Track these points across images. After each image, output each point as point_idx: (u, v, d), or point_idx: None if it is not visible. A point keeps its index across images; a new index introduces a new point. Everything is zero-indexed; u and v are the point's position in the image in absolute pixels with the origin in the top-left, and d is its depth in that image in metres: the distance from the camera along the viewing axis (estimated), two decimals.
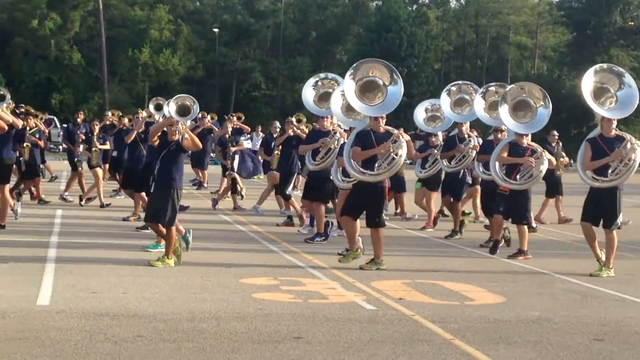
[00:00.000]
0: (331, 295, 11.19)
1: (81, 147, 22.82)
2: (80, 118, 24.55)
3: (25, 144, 21.27)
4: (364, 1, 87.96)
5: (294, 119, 19.84)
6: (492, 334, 9.26)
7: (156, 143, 13.33)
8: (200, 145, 14.06)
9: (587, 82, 13.68)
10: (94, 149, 22.09)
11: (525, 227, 15.23)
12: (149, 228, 14.11)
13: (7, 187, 16.99)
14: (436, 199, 19.72)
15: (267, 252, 15.04)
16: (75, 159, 22.68)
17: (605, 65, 14.48)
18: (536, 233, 18.39)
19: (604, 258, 13.54)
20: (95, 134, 22.45)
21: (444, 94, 18.70)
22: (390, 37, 72.73)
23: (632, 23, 78.26)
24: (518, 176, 15.06)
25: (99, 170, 21.88)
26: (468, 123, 18.27)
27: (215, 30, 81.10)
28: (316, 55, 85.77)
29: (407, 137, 13.74)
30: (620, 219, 13.82)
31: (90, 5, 76.69)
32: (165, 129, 13.33)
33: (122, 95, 75.53)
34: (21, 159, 21.40)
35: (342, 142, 15.72)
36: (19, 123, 16.82)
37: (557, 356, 8.43)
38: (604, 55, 74.01)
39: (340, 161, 14.62)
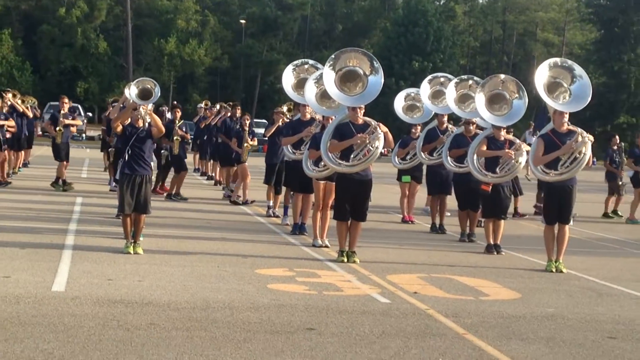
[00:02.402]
0: (346, 287, 11.20)
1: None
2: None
3: (175, 138, 21.24)
4: None
5: (284, 108, 19.51)
6: (505, 329, 9.23)
7: (118, 129, 13.11)
8: (164, 130, 13.77)
9: (541, 76, 13.64)
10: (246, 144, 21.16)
11: (503, 221, 15.27)
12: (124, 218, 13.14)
13: None
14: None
15: (285, 244, 15.04)
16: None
17: (558, 61, 14.40)
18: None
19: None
20: (246, 129, 21.35)
21: (425, 83, 18.71)
22: (417, 31, 72.60)
23: None
24: (498, 169, 15.04)
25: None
26: (447, 115, 18.26)
27: (242, 21, 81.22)
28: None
29: (385, 129, 13.56)
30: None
31: None
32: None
33: None
34: (162, 152, 21.34)
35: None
36: None
37: (570, 353, 8.39)
38: (631, 54, 73.70)
39: (312, 153, 14.38)
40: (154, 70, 75.39)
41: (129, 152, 12.94)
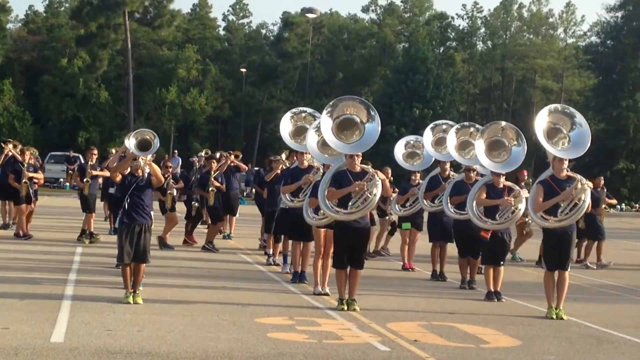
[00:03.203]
0: (346, 336, 11.17)
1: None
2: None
3: (210, 189, 21.42)
4: (391, 43, 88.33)
5: (283, 156, 19.54)
6: None
7: (118, 179, 13.20)
8: (163, 180, 13.83)
9: (541, 122, 13.70)
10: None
11: (503, 268, 15.28)
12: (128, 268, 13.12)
13: None
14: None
15: (285, 292, 15.02)
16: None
17: (559, 107, 14.49)
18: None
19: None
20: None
21: (427, 130, 18.73)
22: (417, 78, 72.86)
23: None
24: (497, 216, 15.06)
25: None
26: (449, 162, 18.29)
27: (243, 70, 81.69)
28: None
29: (383, 176, 13.63)
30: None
31: (118, 44, 77.42)
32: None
33: None
34: (193, 202, 21.86)
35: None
36: None
37: None
38: (629, 100, 73.89)
39: (312, 201, 14.42)
40: (154, 119, 75.69)
41: (128, 201, 13.00)
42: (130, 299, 12.75)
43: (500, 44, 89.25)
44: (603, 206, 22.25)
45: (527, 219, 20.74)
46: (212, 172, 21.60)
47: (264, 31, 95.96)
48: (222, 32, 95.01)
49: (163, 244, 21.12)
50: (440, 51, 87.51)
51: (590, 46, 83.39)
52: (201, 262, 18.78)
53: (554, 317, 13.19)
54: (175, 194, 21.85)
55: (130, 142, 13.22)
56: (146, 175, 13.09)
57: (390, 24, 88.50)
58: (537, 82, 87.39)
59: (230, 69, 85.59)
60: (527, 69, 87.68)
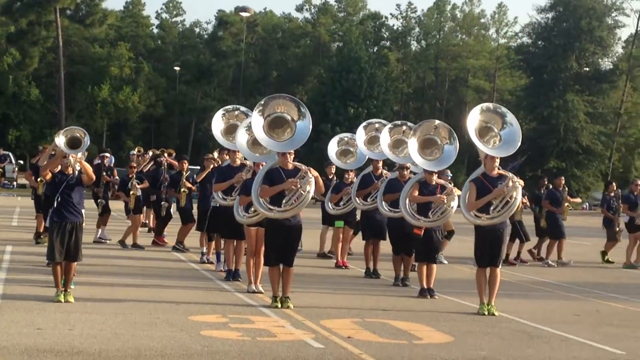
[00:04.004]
0: (280, 333, 11.16)
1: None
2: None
3: (182, 190, 21.16)
4: (325, 42, 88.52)
5: (216, 154, 19.48)
6: None
7: (48, 177, 13.03)
8: (94, 177, 13.75)
9: (473, 120, 13.82)
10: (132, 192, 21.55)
11: (436, 265, 15.42)
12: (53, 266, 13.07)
13: None
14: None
15: (219, 290, 14.95)
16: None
17: (490, 105, 14.58)
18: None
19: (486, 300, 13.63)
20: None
21: (360, 129, 18.78)
22: (351, 78, 73.13)
23: (588, 69, 79.34)
24: (430, 214, 15.18)
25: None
26: (382, 161, 18.36)
27: (177, 68, 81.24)
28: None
29: (316, 173, 13.66)
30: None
31: (50, 41, 76.37)
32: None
33: None
34: (163, 203, 21.77)
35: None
36: None
37: None
38: (560, 100, 74.97)
39: (242, 199, 14.42)
40: (86, 117, 74.95)
41: (59, 199, 12.83)
42: (61, 298, 12.60)
43: (434, 44, 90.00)
44: (566, 204, 22.58)
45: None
46: (184, 173, 21.44)
47: (197, 29, 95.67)
48: (155, 30, 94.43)
49: (134, 244, 21.17)
50: (374, 51, 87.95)
51: (522, 47, 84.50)
52: (134, 261, 18.62)
53: (486, 313, 13.33)
54: (139, 194, 21.67)
55: (60, 140, 13.03)
56: (77, 173, 12.93)
57: (324, 24, 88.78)
58: (470, 81, 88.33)
59: (164, 67, 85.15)
60: (460, 68, 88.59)
